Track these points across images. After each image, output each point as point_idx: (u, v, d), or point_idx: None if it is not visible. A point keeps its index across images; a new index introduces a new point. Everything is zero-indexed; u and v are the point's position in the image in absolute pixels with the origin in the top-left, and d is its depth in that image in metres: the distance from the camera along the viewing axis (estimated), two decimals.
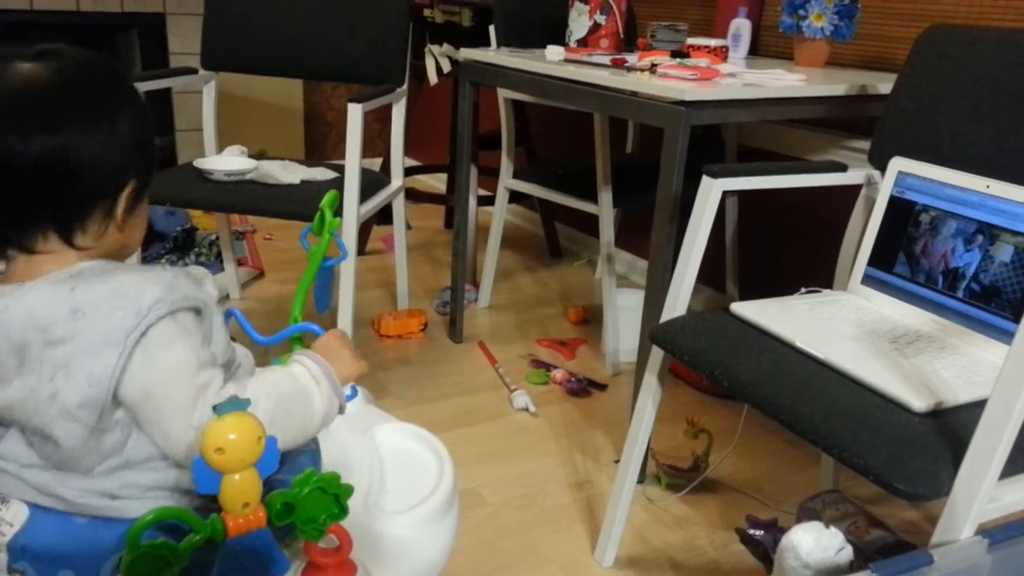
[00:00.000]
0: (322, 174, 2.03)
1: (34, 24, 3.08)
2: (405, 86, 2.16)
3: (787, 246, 2.31)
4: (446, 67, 2.64)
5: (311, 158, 3.29)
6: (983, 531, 0.89)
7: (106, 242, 0.77)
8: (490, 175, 2.56)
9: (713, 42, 1.86)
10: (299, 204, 1.83)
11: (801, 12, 1.92)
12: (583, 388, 2.07)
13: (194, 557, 0.68)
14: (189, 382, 0.72)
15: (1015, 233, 1.16)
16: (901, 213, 1.31)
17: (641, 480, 1.62)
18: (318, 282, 1.04)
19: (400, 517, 0.86)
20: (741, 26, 2.09)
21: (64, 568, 0.72)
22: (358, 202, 1.86)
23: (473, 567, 1.45)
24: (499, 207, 2.50)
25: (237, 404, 0.69)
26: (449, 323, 2.36)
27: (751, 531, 1.28)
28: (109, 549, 0.72)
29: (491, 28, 2.19)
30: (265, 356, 0.91)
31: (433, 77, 2.64)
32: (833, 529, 0.95)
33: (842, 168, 1.46)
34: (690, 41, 1.89)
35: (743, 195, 2.38)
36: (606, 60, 1.79)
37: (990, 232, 1.19)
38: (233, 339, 0.85)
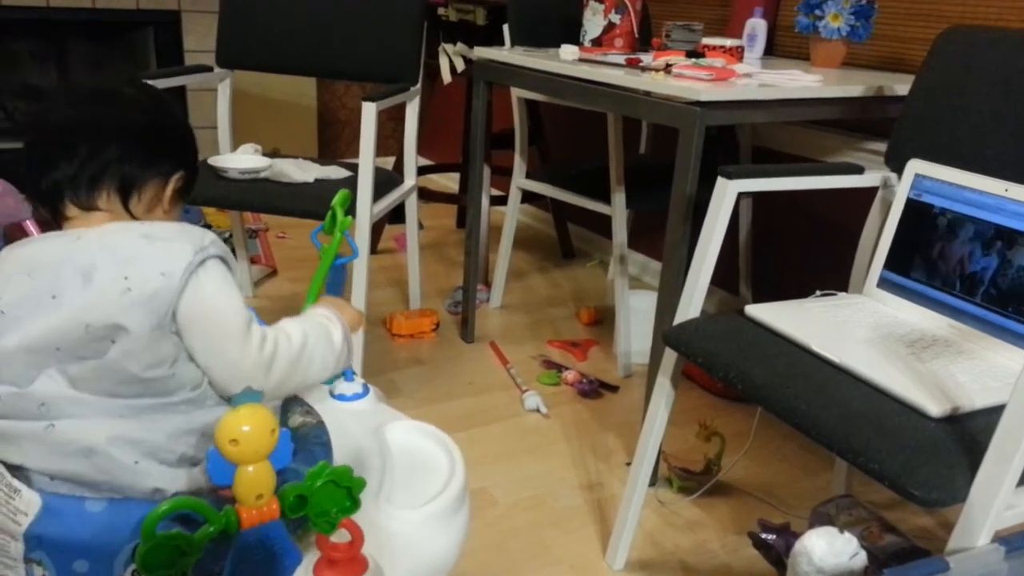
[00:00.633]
0: (336, 172, 2.04)
1: (50, 21, 3.10)
2: (419, 85, 2.16)
3: (802, 248, 2.30)
4: (460, 66, 2.64)
5: (324, 156, 3.29)
6: (999, 538, 0.89)
7: (151, 220, 0.87)
8: (503, 175, 2.56)
9: (728, 42, 1.85)
10: (313, 202, 1.83)
11: (818, 12, 1.91)
12: (595, 389, 2.07)
13: (208, 548, 0.69)
14: (240, 311, 0.83)
15: None
16: (918, 216, 1.30)
17: (653, 483, 1.61)
18: (330, 280, 1.04)
19: (411, 514, 0.86)
20: (757, 26, 2.08)
21: (79, 558, 0.73)
22: (371, 201, 1.86)
23: (483, 567, 1.45)
24: (512, 207, 2.49)
25: (252, 396, 0.70)
26: (461, 323, 2.36)
27: (763, 535, 1.27)
28: (124, 539, 0.73)
29: (505, 27, 2.19)
30: None
31: (447, 76, 2.64)
32: (847, 534, 0.95)
33: (858, 170, 1.45)
34: (705, 41, 1.88)
35: (757, 197, 2.37)
36: (620, 60, 1.79)
37: (1009, 236, 1.18)
38: None
